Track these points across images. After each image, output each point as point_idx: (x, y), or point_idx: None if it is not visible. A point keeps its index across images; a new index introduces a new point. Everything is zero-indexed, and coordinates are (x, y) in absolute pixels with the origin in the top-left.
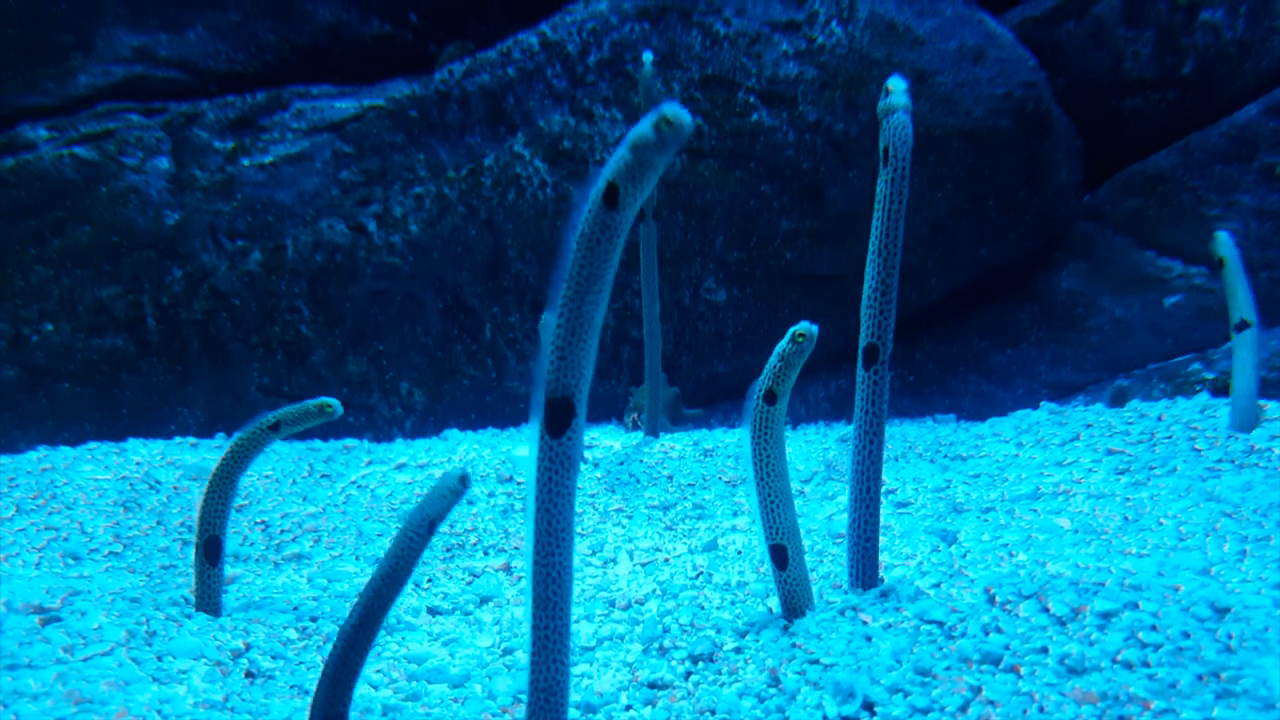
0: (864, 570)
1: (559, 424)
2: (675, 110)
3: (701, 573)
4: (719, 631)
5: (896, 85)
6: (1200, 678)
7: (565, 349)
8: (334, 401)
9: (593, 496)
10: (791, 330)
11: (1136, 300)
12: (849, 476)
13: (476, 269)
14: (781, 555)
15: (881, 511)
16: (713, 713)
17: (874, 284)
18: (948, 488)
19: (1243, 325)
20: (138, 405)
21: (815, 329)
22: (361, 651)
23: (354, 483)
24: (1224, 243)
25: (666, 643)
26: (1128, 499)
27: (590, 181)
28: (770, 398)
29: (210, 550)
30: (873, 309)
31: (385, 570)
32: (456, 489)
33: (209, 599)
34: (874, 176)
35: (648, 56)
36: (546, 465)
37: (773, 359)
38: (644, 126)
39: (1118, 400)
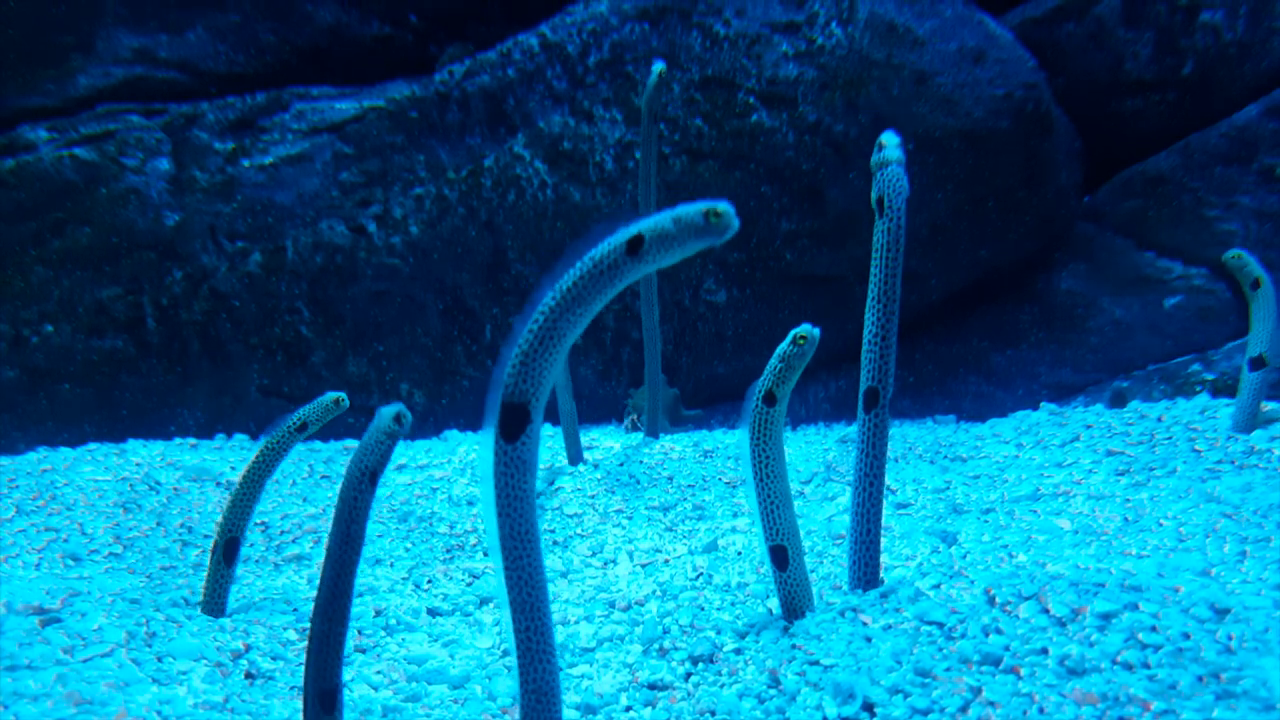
0: (864, 571)
1: (514, 429)
2: (729, 210)
3: (701, 574)
4: (719, 632)
5: (889, 140)
6: (1200, 679)
7: (530, 357)
8: (342, 394)
9: (593, 497)
10: (793, 333)
11: (1136, 301)
12: (850, 521)
13: (476, 270)
14: (781, 556)
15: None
16: (713, 714)
17: (873, 330)
18: (948, 489)
19: (1258, 364)
20: (138, 406)
21: (817, 332)
22: (340, 622)
23: None
24: (1256, 265)
25: (666, 644)
26: (1128, 500)
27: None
28: (770, 399)
29: (229, 551)
30: (873, 354)
31: (337, 534)
32: (393, 430)
33: (216, 599)
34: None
35: (659, 67)
36: (502, 469)
37: (773, 360)
38: (695, 207)
39: (1117, 401)
